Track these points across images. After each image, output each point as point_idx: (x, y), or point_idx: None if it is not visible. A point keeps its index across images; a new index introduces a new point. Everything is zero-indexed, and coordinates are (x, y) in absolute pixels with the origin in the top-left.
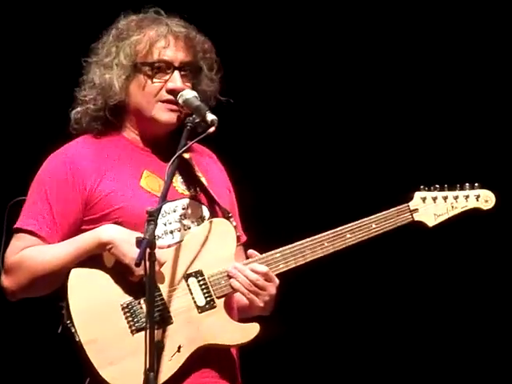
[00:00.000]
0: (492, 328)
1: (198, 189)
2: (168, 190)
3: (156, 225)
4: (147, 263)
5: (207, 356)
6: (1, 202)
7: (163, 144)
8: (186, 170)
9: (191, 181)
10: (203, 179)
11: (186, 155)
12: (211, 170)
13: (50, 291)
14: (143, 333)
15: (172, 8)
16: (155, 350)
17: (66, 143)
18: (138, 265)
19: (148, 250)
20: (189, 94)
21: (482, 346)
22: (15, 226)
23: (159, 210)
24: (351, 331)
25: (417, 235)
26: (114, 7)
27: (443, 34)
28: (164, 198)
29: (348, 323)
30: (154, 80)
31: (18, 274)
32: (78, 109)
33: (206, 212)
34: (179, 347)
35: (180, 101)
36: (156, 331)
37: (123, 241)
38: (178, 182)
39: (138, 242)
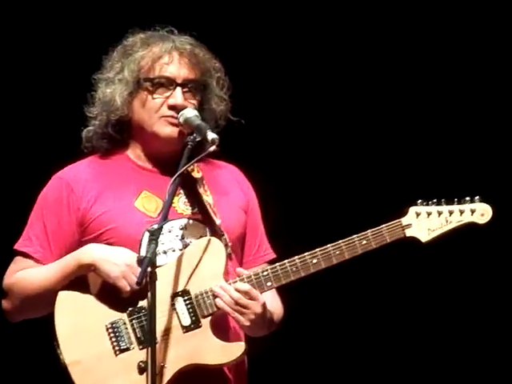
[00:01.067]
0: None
1: (200, 209)
2: (169, 209)
3: (157, 244)
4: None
5: (196, 376)
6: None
7: (170, 163)
8: (191, 190)
9: (194, 201)
10: (209, 199)
11: (198, 174)
12: (225, 190)
13: (45, 312)
14: (126, 354)
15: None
16: (148, 370)
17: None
18: (139, 284)
19: (149, 269)
20: (189, 113)
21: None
22: (13, 248)
23: (160, 229)
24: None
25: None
26: (130, 26)
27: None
28: (165, 218)
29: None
30: (155, 96)
31: (12, 296)
32: (89, 127)
33: (207, 232)
34: (162, 367)
35: (181, 120)
36: (140, 351)
37: (104, 260)
38: (180, 202)
39: (140, 261)
